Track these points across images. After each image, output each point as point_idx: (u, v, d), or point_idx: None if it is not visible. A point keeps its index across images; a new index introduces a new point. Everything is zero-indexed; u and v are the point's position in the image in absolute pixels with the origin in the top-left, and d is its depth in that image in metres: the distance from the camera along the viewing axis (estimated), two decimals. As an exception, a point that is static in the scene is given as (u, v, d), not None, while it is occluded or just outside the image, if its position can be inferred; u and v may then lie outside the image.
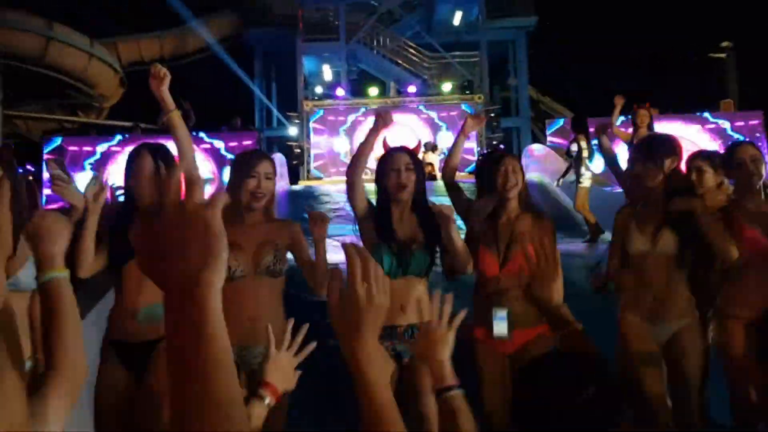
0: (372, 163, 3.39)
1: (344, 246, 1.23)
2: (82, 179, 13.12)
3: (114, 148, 15.08)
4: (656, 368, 3.25)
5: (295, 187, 16.66)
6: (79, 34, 19.21)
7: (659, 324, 3.32)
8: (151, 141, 3.41)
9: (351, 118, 19.19)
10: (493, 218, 3.48)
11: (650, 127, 7.99)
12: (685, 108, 15.40)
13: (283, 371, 1.96)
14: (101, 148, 15.30)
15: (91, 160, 15.22)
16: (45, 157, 14.65)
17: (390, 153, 3.40)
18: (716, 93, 18.42)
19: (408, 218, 3.32)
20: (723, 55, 20.44)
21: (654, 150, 3.39)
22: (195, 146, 4.06)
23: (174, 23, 22.60)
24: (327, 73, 22.12)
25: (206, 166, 14.67)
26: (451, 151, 4.07)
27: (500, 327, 3.27)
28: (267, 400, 1.90)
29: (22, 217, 2.52)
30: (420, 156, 17.17)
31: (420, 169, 3.38)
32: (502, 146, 18.36)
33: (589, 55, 25.97)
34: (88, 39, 19.50)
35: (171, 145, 3.24)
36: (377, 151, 3.94)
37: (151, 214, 3.14)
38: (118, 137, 15.56)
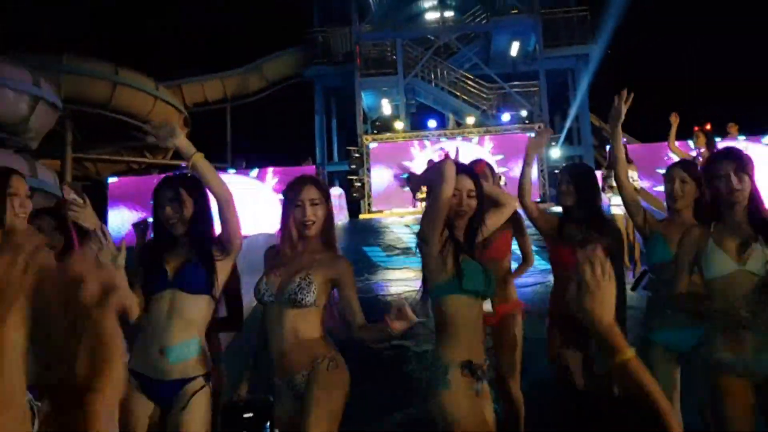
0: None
1: None
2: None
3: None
4: None
5: (355, 220, 16.64)
6: (144, 78, 19.80)
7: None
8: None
9: (411, 151, 19.11)
10: None
11: (711, 147, 7.88)
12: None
13: None
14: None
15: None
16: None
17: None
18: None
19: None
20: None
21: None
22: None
23: (236, 64, 23.17)
24: (386, 107, 22.21)
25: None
26: (521, 182, 3.94)
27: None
28: None
29: None
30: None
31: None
32: None
33: (652, 80, 25.41)
34: (153, 82, 20.08)
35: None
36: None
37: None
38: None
